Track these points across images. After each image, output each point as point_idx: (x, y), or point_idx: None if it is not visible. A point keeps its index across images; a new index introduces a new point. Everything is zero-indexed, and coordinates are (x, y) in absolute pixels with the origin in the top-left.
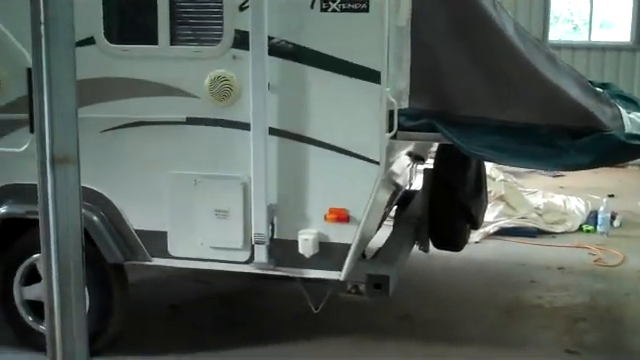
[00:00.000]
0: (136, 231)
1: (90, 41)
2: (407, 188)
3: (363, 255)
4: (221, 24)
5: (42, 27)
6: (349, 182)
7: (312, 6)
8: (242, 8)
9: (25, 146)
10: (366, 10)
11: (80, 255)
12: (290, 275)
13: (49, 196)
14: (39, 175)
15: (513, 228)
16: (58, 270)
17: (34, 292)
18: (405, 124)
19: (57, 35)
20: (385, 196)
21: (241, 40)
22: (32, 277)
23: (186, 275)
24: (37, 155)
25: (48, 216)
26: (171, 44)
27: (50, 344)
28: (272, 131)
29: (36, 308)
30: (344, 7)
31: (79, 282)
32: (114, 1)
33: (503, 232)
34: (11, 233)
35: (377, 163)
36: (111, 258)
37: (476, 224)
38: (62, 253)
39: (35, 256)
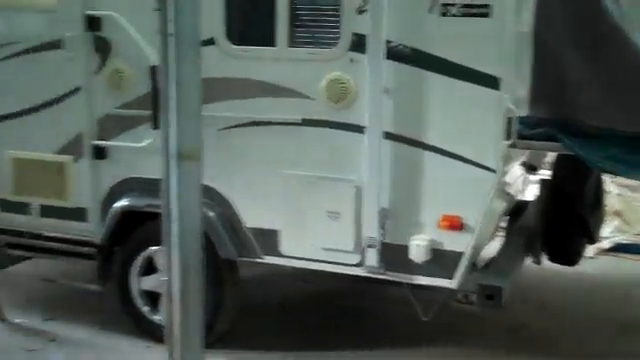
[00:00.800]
0: (249, 229)
1: (211, 42)
2: (519, 198)
3: (474, 265)
4: (339, 27)
5: (171, 25)
6: (464, 189)
7: (431, 10)
8: (360, 11)
9: (147, 141)
10: (487, 15)
11: (199, 249)
12: (400, 280)
13: (173, 191)
14: (164, 170)
15: (629, 245)
16: (179, 262)
17: (151, 283)
18: (523, 132)
19: (184, 34)
20: (500, 205)
21: (358, 43)
22: (149, 268)
23: (294, 274)
24: (162, 150)
25: (171, 210)
26: (289, 46)
27: (168, 334)
28: (387, 135)
29: (152, 298)
30: (464, 12)
31: (198, 275)
32: (235, 3)
33: (618, 248)
34: (130, 225)
35: (493, 171)
36: (225, 254)
37: (593, 238)
38: (183, 246)
39: (152, 248)
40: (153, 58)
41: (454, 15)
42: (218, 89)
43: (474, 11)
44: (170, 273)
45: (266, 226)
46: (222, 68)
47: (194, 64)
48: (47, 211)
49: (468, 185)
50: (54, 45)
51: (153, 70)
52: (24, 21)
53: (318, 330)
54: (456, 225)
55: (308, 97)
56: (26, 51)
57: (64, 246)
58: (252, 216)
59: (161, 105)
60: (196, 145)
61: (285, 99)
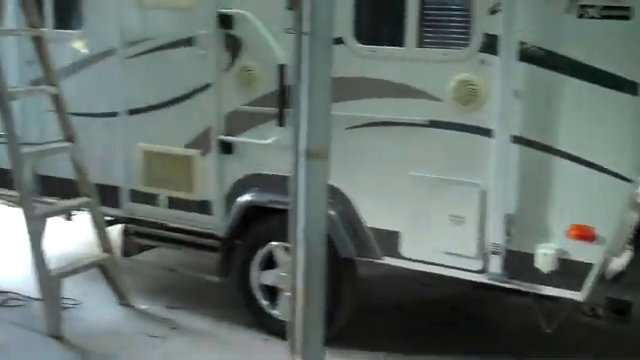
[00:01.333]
0: (370, 229)
1: (339, 41)
2: None
3: (602, 277)
4: (470, 27)
5: (305, 24)
6: (596, 198)
7: (568, 11)
8: (493, 11)
9: (272, 139)
10: (627, 18)
11: (323, 246)
12: (524, 289)
13: (301, 188)
14: (292, 167)
15: None
16: (304, 259)
17: (270, 278)
18: None
19: (318, 33)
20: (632, 216)
21: (490, 44)
22: (269, 263)
23: (412, 276)
24: (292, 148)
25: (298, 207)
26: (418, 46)
27: (290, 328)
28: (515, 139)
29: (271, 293)
30: (603, 14)
31: (321, 272)
32: (364, 3)
33: None
34: (253, 220)
35: (629, 181)
36: (344, 252)
37: None
38: (308, 243)
39: (273, 243)
40: (282, 56)
41: (592, 17)
42: (344, 88)
43: (614, 13)
44: (294, 269)
45: (387, 227)
46: (349, 67)
47: (326, 63)
48: (174, 203)
49: (601, 194)
50: (187, 42)
51: (281, 68)
52: (159, 19)
53: (432, 334)
54: (586, 235)
55: (436, 98)
56: (159, 48)
57: (188, 237)
58: (373, 216)
59: (291, 103)
60: (324, 144)
61: (412, 100)
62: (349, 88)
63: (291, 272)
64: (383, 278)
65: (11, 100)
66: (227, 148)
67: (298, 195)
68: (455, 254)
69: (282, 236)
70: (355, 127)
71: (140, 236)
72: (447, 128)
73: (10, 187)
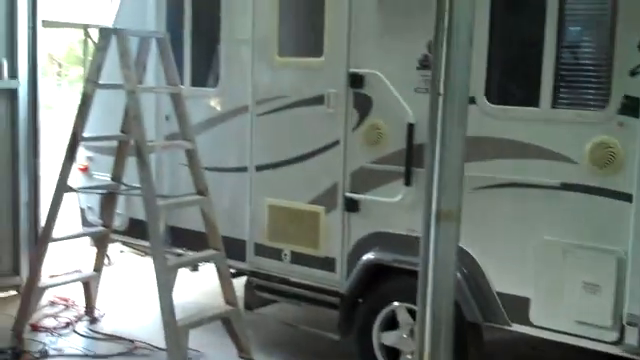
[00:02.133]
0: (498, 293)
1: (471, 101)
2: None
3: None
4: (608, 88)
5: (441, 85)
6: None
7: None
8: (633, 73)
9: (398, 197)
10: None
11: (451, 309)
12: None
13: (431, 249)
14: (423, 228)
15: None
16: (431, 322)
17: (392, 338)
18: None
19: (452, 94)
20: None
21: (630, 106)
22: (391, 323)
23: (520, 337)
24: (423, 208)
25: (428, 268)
26: (552, 107)
27: None
28: None
29: (392, 354)
30: None
31: (448, 336)
32: (497, 63)
33: None
34: (376, 279)
35: None
36: (470, 316)
37: None
38: (435, 305)
39: (396, 304)
40: (411, 115)
41: None
42: (474, 148)
43: None
44: (421, 332)
45: (516, 292)
46: (479, 127)
47: (460, 124)
48: (297, 258)
49: None
50: (316, 101)
51: (410, 127)
52: (290, 78)
53: None
54: None
55: (570, 160)
56: (289, 106)
57: (310, 293)
58: (502, 281)
59: (419, 162)
60: (456, 206)
61: (544, 161)
62: (479, 148)
63: (418, 335)
64: (508, 344)
65: (149, 154)
66: (353, 205)
67: (427, 257)
68: (588, 324)
69: (405, 296)
70: (484, 188)
71: (263, 290)
72: (582, 191)
73: (142, 237)
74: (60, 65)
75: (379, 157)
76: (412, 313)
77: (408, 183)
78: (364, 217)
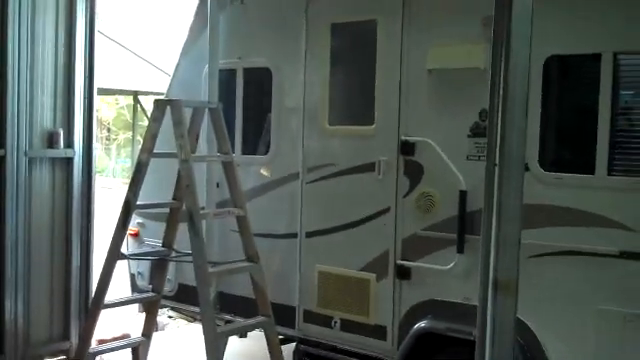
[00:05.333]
0: None
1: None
2: None
3: None
4: None
5: (496, 155)
6: None
7: None
8: None
9: (451, 265)
10: None
11: None
12: None
13: (488, 319)
14: (480, 297)
15: None
16: None
17: None
18: None
19: (509, 162)
20: None
21: None
22: None
23: None
24: (480, 277)
25: (484, 337)
26: (608, 174)
27: None
28: None
29: None
30: None
31: None
32: (550, 130)
33: None
34: (427, 348)
35: None
36: None
37: None
38: None
39: None
40: (463, 183)
41: None
42: (528, 215)
43: None
44: None
45: None
46: (534, 194)
47: (516, 193)
48: (347, 325)
49: None
50: (367, 168)
51: (462, 195)
52: (341, 146)
53: None
54: None
55: (627, 228)
56: (340, 173)
57: None
58: (559, 351)
59: (472, 229)
60: (513, 276)
61: (600, 229)
62: (532, 215)
63: None
64: None
65: (201, 221)
66: (404, 273)
67: (484, 327)
68: None
69: None
70: (538, 256)
71: (312, 357)
72: None
73: (192, 303)
74: (109, 130)
75: (431, 224)
76: None
77: (461, 251)
78: (416, 285)
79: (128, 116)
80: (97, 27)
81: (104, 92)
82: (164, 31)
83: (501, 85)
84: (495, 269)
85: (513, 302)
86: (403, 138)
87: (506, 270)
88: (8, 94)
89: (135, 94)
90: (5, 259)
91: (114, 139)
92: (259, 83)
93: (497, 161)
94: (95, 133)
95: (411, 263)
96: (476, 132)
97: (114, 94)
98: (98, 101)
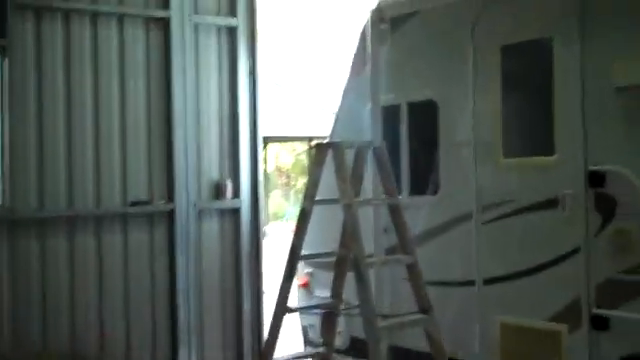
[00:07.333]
0: None
1: None
2: None
3: None
4: None
5: None
6: None
7: None
8: None
9: None
10: None
11: None
12: None
13: None
14: None
15: None
16: None
17: None
18: None
19: None
20: None
21: None
22: None
23: None
24: None
25: None
26: None
27: None
28: None
29: None
30: None
31: None
32: None
33: None
34: None
35: None
36: None
37: None
38: None
39: None
40: None
41: None
42: None
43: None
44: None
45: None
46: None
47: None
48: None
49: None
50: (550, 204)
51: None
52: (519, 180)
53: None
54: None
55: None
56: (518, 211)
57: None
58: None
59: None
60: None
61: None
62: None
63: None
64: None
65: (368, 270)
66: (601, 323)
67: None
68: None
69: None
70: None
71: None
72: None
73: (365, 357)
74: (288, 176)
75: (630, 266)
76: None
77: None
78: (616, 337)
79: (306, 161)
80: (261, 77)
81: (280, 140)
82: (333, 73)
83: None
84: None
85: None
86: (591, 168)
87: None
88: (176, 148)
89: (309, 140)
90: (178, 310)
91: (293, 185)
92: (425, 118)
93: None
94: (262, 182)
95: (609, 312)
96: None
97: (291, 141)
98: (277, 148)
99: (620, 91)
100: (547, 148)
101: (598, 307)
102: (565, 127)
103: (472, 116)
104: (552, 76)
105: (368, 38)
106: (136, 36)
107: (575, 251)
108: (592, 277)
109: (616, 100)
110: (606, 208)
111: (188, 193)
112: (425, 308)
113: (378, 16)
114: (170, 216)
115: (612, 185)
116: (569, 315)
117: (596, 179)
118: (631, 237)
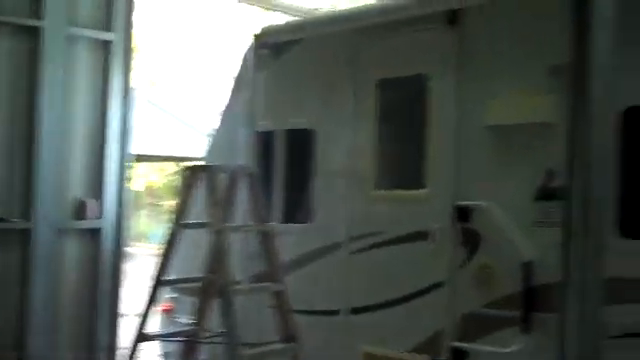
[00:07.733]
0: None
1: None
2: None
3: None
4: None
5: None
6: None
7: None
8: None
9: (514, 347)
10: None
11: None
12: None
13: None
14: None
15: None
16: None
17: None
18: None
19: (590, 231)
20: None
21: None
22: None
23: None
24: None
25: None
26: None
27: None
28: None
29: None
30: None
31: None
32: (629, 197)
33: None
34: None
35: None
36: None
37: None
38: None
39: None
40: (527, 253)
41: None
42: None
43: None
44: None
45: None
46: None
47: (597, 267)
48: None
49: None
50: (417, 237)
51: (526, 267)
52: (389, 213)
53: None
54: None
55: None
56: (387, 242)
57: None
58: None
59: (543, 307)
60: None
61: None
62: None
63: None
64: None
65: (234, 297)
66: (460, 356)
67: None
68: None
69: None
70: (621, 337)
71: None
72: None
73: None
74: (157, 196)
75: (491, 300)
76: None
77: (526, 331)
78: None
79: (177, 183)
80: (135, 95)
81: (149, 159)
82: (211, 95)
83: (578, 141)
84: (575, 350)
85: None
86: (458, 203)
87: (587, 352)
88: (37, 164)
89: (180, 160)
90: (28, 336)
91: (161, 205)
92: (300, 146)
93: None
94: (127, 202)
95: (468, 345)
96: (544, 195)
97: (160, 161)
98: (147, 167)
99: (490, 129)
100: (418, 182)
101: (459, 340)
102: (436, 162)
103: (347, 147)
104: (426, 112)
105: (249, 62)
106: (1, 45)
107: (440, 284)
108: (455, 310)
109: (486, 138)
110: (471, 243)
111: (47, 211)
112: (291, 337)
113: (260, 41)
114: (27, 235)
115: (477, 220)
116: (430, 347)
117: (462, 214)
118: (493, 272)
